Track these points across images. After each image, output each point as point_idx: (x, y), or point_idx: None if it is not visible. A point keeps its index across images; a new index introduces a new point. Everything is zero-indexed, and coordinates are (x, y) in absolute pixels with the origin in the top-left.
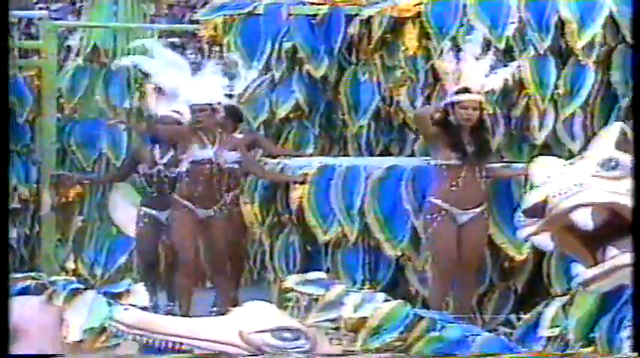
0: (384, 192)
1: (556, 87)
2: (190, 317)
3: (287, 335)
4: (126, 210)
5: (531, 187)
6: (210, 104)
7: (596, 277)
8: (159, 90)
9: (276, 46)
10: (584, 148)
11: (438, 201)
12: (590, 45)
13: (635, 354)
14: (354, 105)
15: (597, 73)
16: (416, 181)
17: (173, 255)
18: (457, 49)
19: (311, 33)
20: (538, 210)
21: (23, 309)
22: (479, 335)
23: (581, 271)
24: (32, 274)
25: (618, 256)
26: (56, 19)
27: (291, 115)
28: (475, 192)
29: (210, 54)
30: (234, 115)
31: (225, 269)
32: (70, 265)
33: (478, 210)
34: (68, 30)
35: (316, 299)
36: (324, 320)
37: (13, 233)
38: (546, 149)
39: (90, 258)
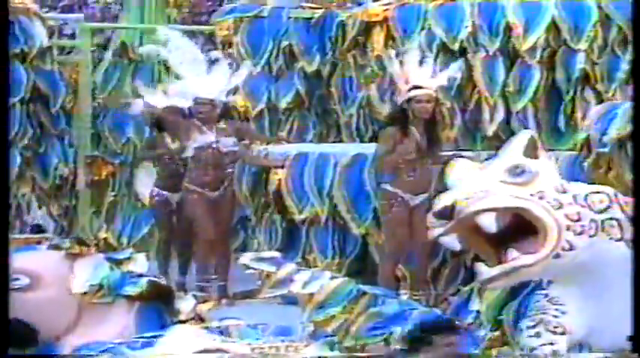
0: (350, 177)
1: (506, 85)
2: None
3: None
4: (149, 187)
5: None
6: (212, 100)
7: (495, 277)
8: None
9: (276, 44)
10: None
11: (393, 189)
12: (534, 47)
13: (636, 355)
14: (344, 97)
15: (542, 72)
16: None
17: (186, 234)
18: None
19: (306, 33)
20: (447, 213)
21: (44, 260)
22: (415, 309)
23: (483, 270)
24: (46, 235)
25: (518, 258)
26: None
27: (292, 105)
28: (427, 178)
29: (224, 52)
30: (224, 108)
31: (227, 243)
32: (102, 235)
33: (427, 194)
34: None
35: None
36: (275, 296)
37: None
38: (497, 140)
39: (118, 229)
